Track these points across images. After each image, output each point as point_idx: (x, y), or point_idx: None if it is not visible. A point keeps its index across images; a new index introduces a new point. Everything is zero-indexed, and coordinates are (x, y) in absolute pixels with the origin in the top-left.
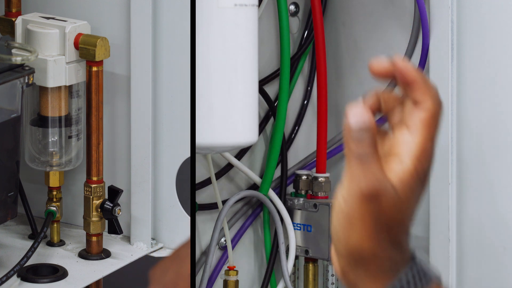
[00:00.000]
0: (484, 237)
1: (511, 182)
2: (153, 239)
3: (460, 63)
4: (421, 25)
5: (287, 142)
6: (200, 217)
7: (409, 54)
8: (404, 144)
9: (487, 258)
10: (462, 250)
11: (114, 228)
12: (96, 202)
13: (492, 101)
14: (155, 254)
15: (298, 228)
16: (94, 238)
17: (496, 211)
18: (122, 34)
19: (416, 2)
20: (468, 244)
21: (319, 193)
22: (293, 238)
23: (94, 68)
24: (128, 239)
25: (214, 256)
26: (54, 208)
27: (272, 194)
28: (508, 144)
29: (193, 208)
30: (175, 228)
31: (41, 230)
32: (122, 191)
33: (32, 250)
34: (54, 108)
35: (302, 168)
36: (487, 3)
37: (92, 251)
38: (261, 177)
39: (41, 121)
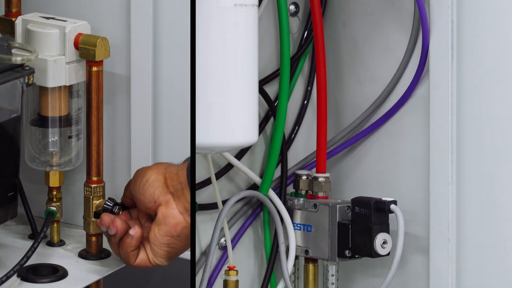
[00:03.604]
0: (484, 237)
1: (510, 182)
2: None
3: (460, 63)
4: (421, 25)
5: (287, 142)
6: (200, 217)
7: (409, 54)
8: None
9: (487, 258)
10: (462, 250)
11: None
12: (96, 202)
13: (492, 101)
14: None
15: (298, 228)
16: (94, 238)
17: (495, 211)
18: (122, 34)
19: (416, 2)
20: (468, 244)
21: (319, 193)
22: (293, 238)
23: (94, 68)
24: None
25: (214, 256)
26: (54, 208)
27: (272, 194)
28: (507, 144)
29: (193, 208)
30: None
31: (41, 230)
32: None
33: (32, 250)
34: (54, 108)
35: (302, 168)
36: (487, 3)
37: (92, 251)
38: (261, 177)
39: (41, 121)
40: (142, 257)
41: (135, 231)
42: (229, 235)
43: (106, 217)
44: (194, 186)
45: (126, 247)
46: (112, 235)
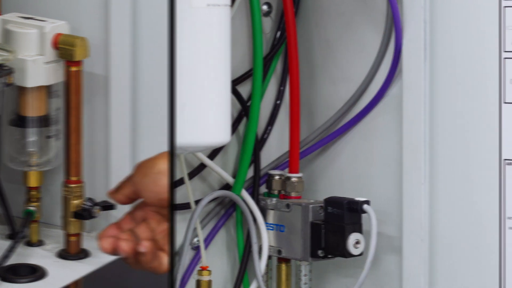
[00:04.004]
0: (456, 236)
1: (483, 182)
2: None
3: (433, 63)
4: (394, 25)
5: (260, 142)
6: None
7: (382, 54)
8: None
9: (459, 257)
10: (435, 250)
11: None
12: (75, 202)
13: (465, 101)
14: None
15: (271, 228)
16: (73, 238)
17: (468, 211)
18: (101, 34)
19: (389, 2)
20: (440, 244)
21: (292, 193)
22: (266, 238)
23: (73, 68)
24: None
25: (187, 256)
26: (33, 208)
27: (245, 194)
28: (479, 144)
29: (172, 206)
30: None
31: (20, 230)
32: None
33: (11, 250)
34: (33, 108)
35: (275, 168)
36: (459, 3)
37: (71, 251)
38: (234, 177)
39: (20, 121)
40: (167, 261)
41: (145, 247)
42: (202, 235)
43: (105, 244)
44: (172, 185)
45: (145, 264)
46: (124, 259)
